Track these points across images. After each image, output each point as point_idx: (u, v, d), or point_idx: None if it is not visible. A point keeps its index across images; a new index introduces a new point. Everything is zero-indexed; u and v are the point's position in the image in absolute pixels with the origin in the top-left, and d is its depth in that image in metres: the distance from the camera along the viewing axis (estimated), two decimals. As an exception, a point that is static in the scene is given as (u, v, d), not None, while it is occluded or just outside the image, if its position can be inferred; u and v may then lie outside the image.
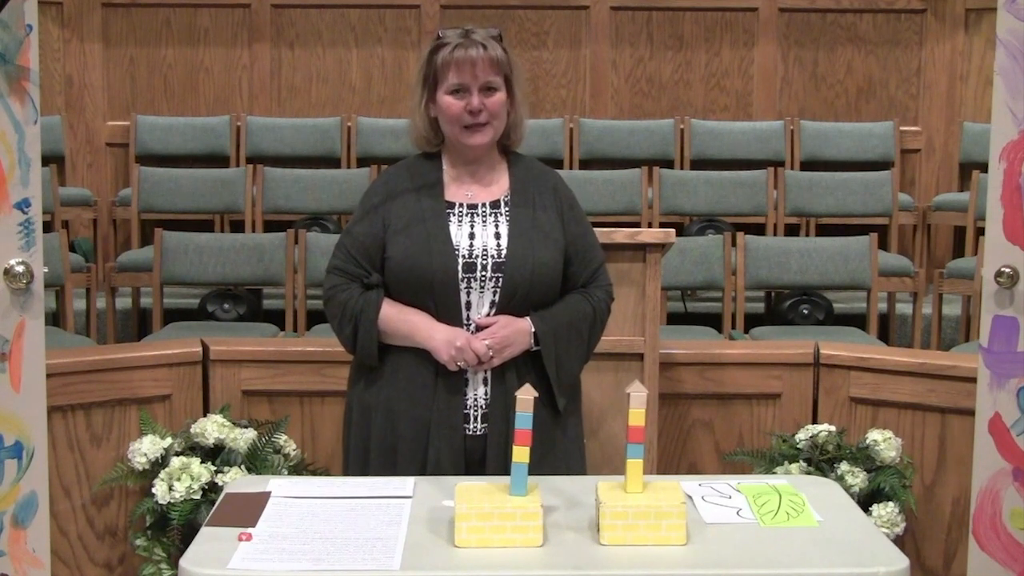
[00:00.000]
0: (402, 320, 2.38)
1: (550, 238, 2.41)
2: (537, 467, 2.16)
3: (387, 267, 2.40)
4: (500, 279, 2.36)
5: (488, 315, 2.38)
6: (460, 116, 2.37)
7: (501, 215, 2.43)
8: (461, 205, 2.44)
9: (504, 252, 2.38)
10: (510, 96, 2.43)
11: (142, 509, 2.95)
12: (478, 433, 2.41)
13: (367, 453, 2.45)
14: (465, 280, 2.37)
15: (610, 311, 2.52)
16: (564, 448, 2.48)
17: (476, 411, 2.41)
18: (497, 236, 2.40)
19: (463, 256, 2.37)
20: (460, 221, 2.42)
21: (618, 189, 5.55)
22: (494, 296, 2.38)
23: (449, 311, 2.37)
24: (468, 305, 2.38)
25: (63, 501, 3.03)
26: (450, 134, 2.42)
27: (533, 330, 2.38)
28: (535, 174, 2.50)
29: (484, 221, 2.42)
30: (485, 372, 2.39)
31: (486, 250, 2.38)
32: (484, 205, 2.44)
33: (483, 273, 2.37)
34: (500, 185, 2.47)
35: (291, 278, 4.71)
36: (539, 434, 2.30)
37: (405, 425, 2.40)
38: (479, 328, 2.37)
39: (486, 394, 2.40)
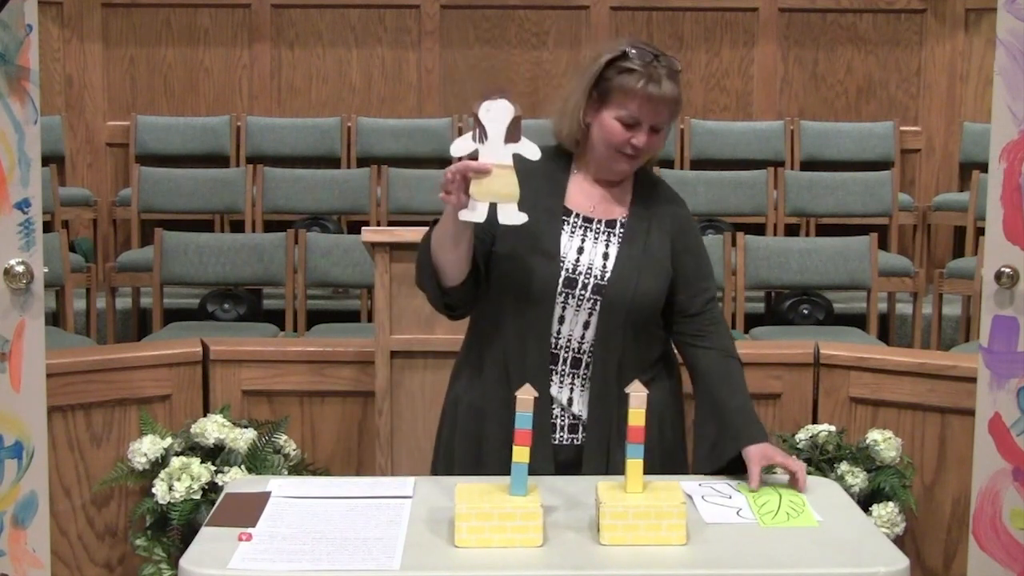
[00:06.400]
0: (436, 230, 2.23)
1: (659, 265, 2.34)
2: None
3: (491, 261, 2.33)
4: (598, 301, 2.30)
5: (582, 336, 2.31)
6: (622, 145, 2.31)
7: (614, 235, 2.36)
8: (578, 216, 2.37)
9: (608, 276, 2.32)
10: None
11: (142, 509, 2.95)
12: (564, 443, 2.35)
13: (453, 451, 2.42)
14: (563, 294, 2.30)
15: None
16: (663, 450, 2.45)
17: (564, 420, 2.35)
18: (605, 256, 2.34)
19: (567, 270, 2.31)
20: (573, 232, 2.35)
21: (618, 189, 5.55)
22: (589, 316, 2.31)
23: (541, 321, 2.30)
24: (561, 319, 2.31)
25: (63, 501, 3.03)
26: (601, 153, 2.35)
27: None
28: (659, 197, 2.42)
29: (596, 238, 2.35)
30: (572, 382, 2.34)
31: (591, 268, 2.32)
32: (600, 222, 2.37)
33: (582, 292, 2.31)
34: (622, 205, 2.39)
35: (291, 278, 4.71)
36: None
37: (491, 425, 2.35)
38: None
39: (570, 402, 2.34)
